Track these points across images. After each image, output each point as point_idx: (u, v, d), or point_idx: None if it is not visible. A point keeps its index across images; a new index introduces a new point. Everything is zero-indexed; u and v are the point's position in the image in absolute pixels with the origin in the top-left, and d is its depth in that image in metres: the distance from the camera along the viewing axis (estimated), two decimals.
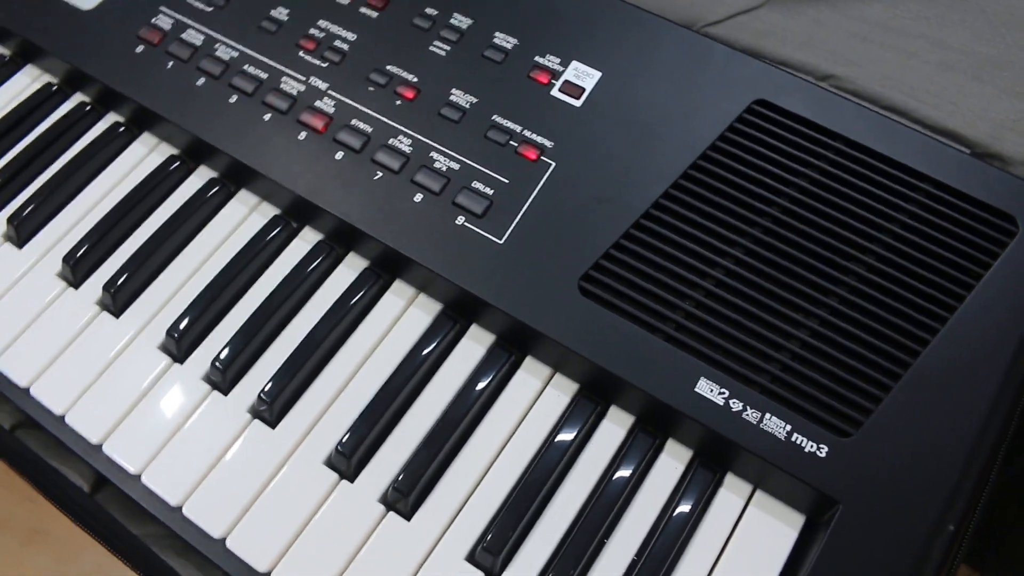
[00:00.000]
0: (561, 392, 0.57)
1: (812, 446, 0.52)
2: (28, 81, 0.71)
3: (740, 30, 0.75)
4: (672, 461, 0.55)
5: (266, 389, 0.56)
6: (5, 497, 1.06)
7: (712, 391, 0.53)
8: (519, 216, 0.58)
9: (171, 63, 0.67)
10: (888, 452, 0.52)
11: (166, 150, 0.67)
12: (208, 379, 0.58)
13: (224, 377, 0.57)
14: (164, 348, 0.59)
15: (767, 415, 0.53)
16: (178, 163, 0.66)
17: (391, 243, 0.58)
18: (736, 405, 0.53)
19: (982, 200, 0.57)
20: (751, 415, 0.53)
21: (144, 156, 0.67)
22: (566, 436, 0.55)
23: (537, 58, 0.63)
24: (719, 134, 0.59)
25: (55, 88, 0.71)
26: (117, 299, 0.60)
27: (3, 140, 0.68)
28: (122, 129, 0.68)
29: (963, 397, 0.53)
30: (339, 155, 0.61)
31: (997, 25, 0.71)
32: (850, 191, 0.58)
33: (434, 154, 0.60)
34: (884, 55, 0.72)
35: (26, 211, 0.63)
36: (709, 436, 0.53)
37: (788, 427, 0.52)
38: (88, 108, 0.69)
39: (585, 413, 0.56)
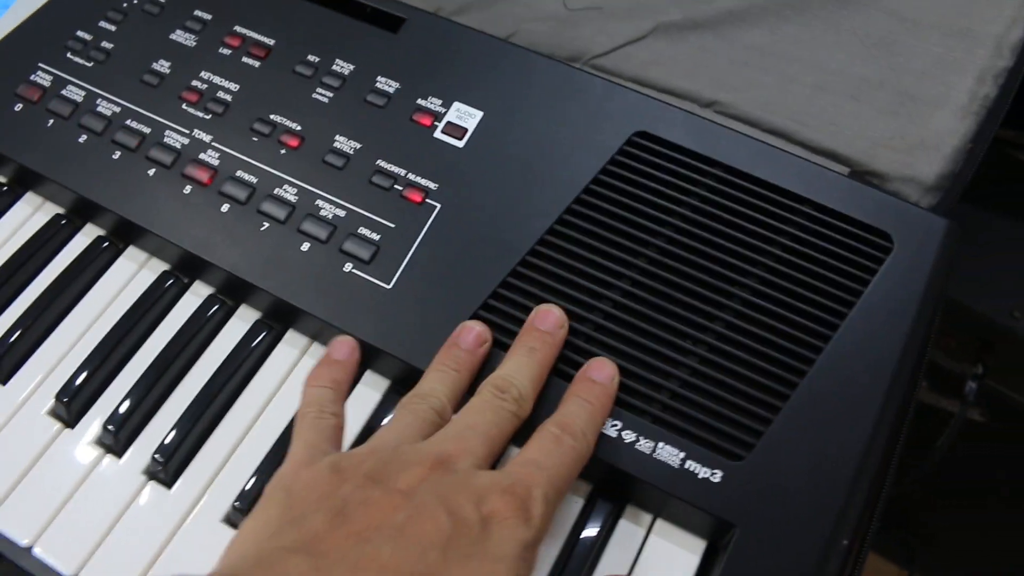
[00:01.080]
0: None
1: (706, 472, 0.53)
2: None
3: (626, 61, 0.77)
4: (573, 496, 0.55)
5: (161, 446, 0.55)
6: None
7: (605, 424, 0.54)
8: (406, 260, 0.58)
9: (51, 120, 0.66)
10: (780, 472, 0.53)
11: (51, 209, 0.66)
12: (100, 442, 0.57)
13: (117, 439, 0.56)
14: (54, 413, 0.58)
15: (660, 444, 0.53)
16: (64, 221, 0.65)
17: (280, 294, 0.58)
18: (629, 436, 0.54)
19: (858, 219, 0.59)
20: (644, 445, 0.53)
21: (29, 216, 0.66)
22: None
23: (419, 100, 0.63)
24: (601, 167, 0.60)
25: None
26: (1, 367, 0.58)
27: None
28: (4, 189, 0.66)
29: (849, 412, 0.54)
30: (225, 207, 0.61)
31: (870, 47, 0.74)
32: (731, 217, 0.59)
33: (320, 202, 0.60)
34: (764, 79, 0.74)
35: None
36: (604, 468, 0.54)
37: (681, 455, 0.53)
38: None
39: None
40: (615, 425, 0.54)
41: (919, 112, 0.70)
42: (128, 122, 0.65)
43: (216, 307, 0.60)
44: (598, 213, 0.59)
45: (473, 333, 0.54)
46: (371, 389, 0.58)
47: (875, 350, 0.55)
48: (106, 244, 0.64)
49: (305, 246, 0.59)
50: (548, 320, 0.55)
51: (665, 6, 0.79)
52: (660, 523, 0.55)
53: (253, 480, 0.55)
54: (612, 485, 0.55)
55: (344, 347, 0.55)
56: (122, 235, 0.64)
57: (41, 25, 0.70)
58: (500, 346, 0.56)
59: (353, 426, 0.56)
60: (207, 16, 0.68)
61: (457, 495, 0.44)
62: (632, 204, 0.59)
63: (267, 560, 0.41)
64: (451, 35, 0.65)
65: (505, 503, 0.44)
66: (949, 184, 0.67)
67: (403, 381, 0.58)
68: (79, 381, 0.58)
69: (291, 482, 0.46)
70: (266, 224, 0.60)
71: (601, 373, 0.53)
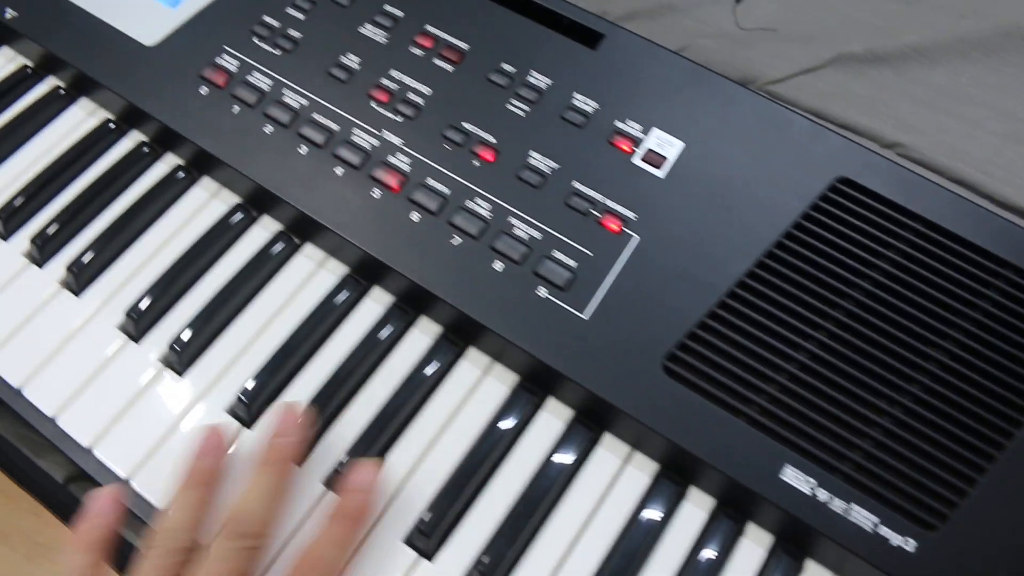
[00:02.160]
0: (641, 471, 0.56)
1: (899, 539, 0.52)
2: (83, 116, 0.69)
3: (803, 90, 0.75)
4: (754, 546, 0.55)
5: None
6: (9, 509, 1.04)
7: (799, 479, 0.53)
8: (603, 290, 0.57)
9: (237, 107, 0.65)
10: (978, 546, 0.52)
11: (229, 198, 0.65)
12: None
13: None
14: (231, 411, 0.58)
15: (853, 505, 0.53)
16: (242, 213, 0.64)
17: (468, 310, 0.57)
18: (823, 495, 0.53)
19: None
20: (837, 505, 0.53)
21: (206, 202, 0.65)
22: (650, 515, 0.54)
23: (618, 123, 0.62)
24: (803, 211, 0.59)
25: (112, 126, 0.68)
26: (182, 357, 0.58)
27: (58, 178, 0.65)
28: (180, 175, 0.66)
29: None
30: (415, 216, 0.60)
31: None
32: (932, 275, 0.58)
33: (514, 220, 0.59)
34: (948, 123, 0.72)
35: (85, 258, 0.61)
36: (793, 523, 0.53)
37: (875, 519, 0.52)
38: (147, 149, 0.67)
39: (667, 494, 0.55)
40: (810, 482, 0.53)
41: None
42: (315, 115, 0.64)
43: (398, 318, 0.60)
44: (798, 259, 0.58)
45: (210, 442, 0.53)
46: (555, 418, 0.57)
47: None
48: (281, 243, 0.63)
49: (498, 265, 0.58)
50: (282, 425, 0.53)
51: (845, 35, 0.77)
52: None
53: (436, 504, 0.54)
54: (795, 539, 0.54)
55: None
56: (301, 231, 0.63)
57: (226, 8, 0.69)
58: (692, 388, 0.55)
59: (534, 456, 0.56)
60: (399, 13, 0.67)
61: None
62: (832, 253, 0.58)
63: None
64: (651, 56, 0.64)
65: None
66: None
67: (586, 412, 0.57)
68: (257, 385, 0.57)
69: None
70: (457, 238, 0.59)
71: (357, 482, 0.52)
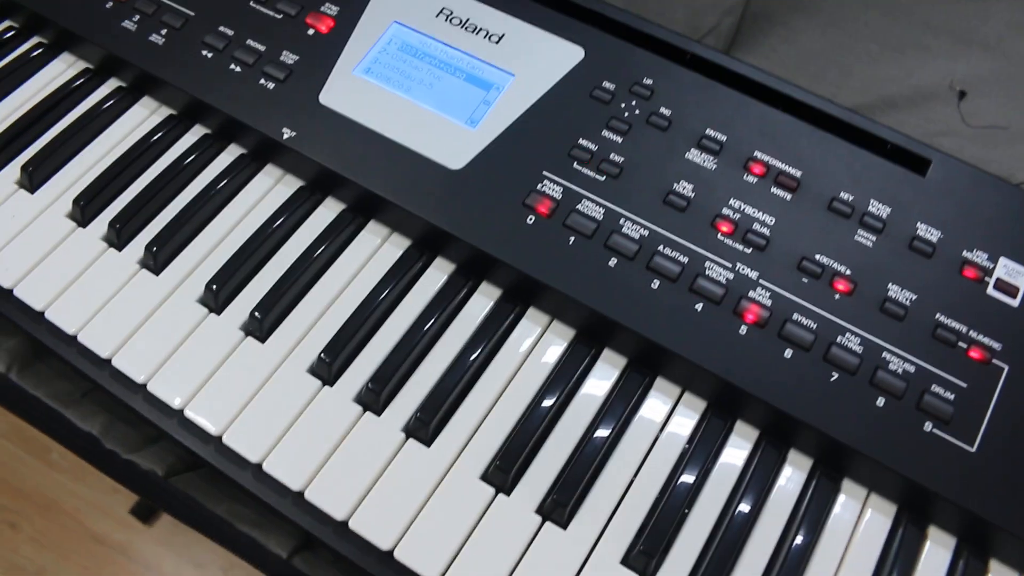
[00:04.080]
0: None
1: None
2: (377, 242, 0.68)
3: None
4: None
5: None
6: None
7: None
8: (985, 423, 0.59)
9: (572, 238, 0.64)
10: None
11: (566, 332, 0.65)
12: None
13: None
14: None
15: None
16: (589, 350, 0.64)
17: (849, 442, 0.58)
18: None
19: None
20: None
21: (536, 336, 0.64)
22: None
23: (965, 252, 0.64)
24: None
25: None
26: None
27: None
28: (510, 313, 0.65)
29: None
30: (788, 352, 0.61)
31: None
32: None
33: (887, 355, 0.61)
34: None
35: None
36: None
37: None
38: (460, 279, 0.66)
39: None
40: None
41: None
42: (662, 248, 0.64)
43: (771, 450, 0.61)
44: None
45: None
46: (942, 547, 0.59)
47: None
48: (638, 375, 0.63)
49: (881, 401, 0.59)
50: None
51: None
52: None
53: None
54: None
55: None
56: (652, 362, 0.63)
57: (534, 128, 0.68)
58: None
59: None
60: (722, 137, 0.67)
61: None
62: None
63: None
64: (980, 182, 0.66)
65: None
66: None
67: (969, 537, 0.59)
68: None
69: None
70: (835, 375, 0.60)
71: None
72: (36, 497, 1.29)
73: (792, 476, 0.61)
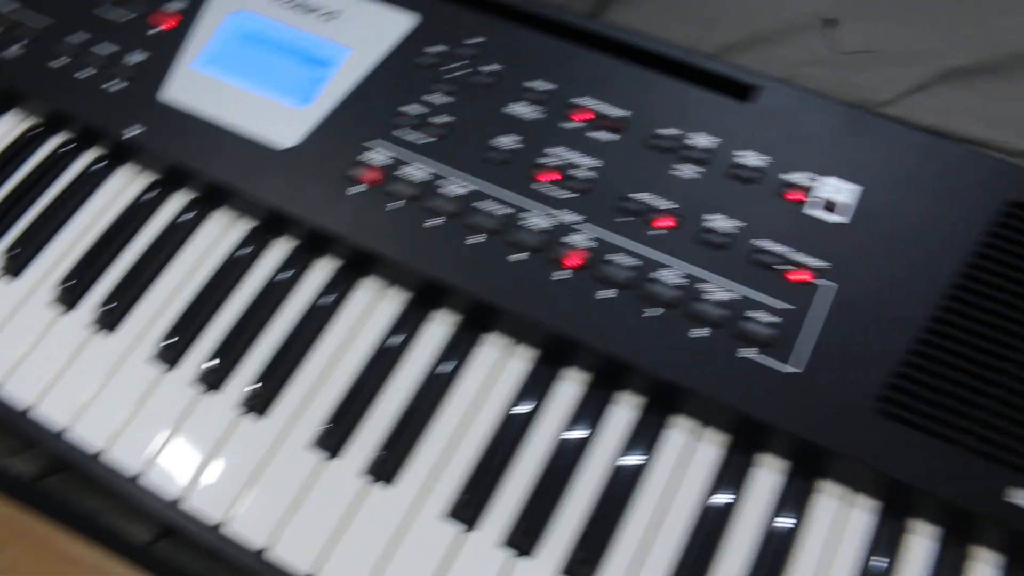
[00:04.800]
0: (863, 511, 0.58)
1: None
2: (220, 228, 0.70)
3: (916, 110, 0.77)
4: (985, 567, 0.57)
5: None
6: None
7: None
8: (811, 342, 0.58)
9: (393, 204, 0.65)
10: None
11: (398, 295, 0.66)
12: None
13: None
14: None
15: None
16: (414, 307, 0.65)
17: (674, 377, 0.58)
18: None
19: None
20: None
21: (373, 303, 0.66)
22: (878, 562, 0.56)
23: (791, 175, 0.63)
24: (981, 239, 0.60)
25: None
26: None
27: (213, 298, 0.66)
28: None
29: None
30: (607, 292, 0.61)
31: None
32: None
33: (702, 285, 0.60)
34: None
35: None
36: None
37: None
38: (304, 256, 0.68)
39: (890, 533, 0.57)
40: None
41: None
42: (480, 203, 0.64)
43: (601, 395, 0.61)
44: (987, 286, 0.59)
45: None
46: (771, 472, 0.59)
47: None
48: (462, 335, 0.64)
49: (697, 331, 0.59)
50: None
51: (945, 50, 0.79)
52: None
53: None
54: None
55: None
56: (482, 320, 0.64)
57: (365, 99, 0.69)
58: (907, 424, 0.56)
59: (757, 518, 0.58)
60: (550, 87, 0.68)
61: None
62: (1018, 275, 0.60)
63: None
64: (804, 104, 0.65)
65: None
66: None
67: (801, 461, 0.59)
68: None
69: None
70: (653, 310, 0.60)
71: None
72: None
73: (621, 416, 0.61)
